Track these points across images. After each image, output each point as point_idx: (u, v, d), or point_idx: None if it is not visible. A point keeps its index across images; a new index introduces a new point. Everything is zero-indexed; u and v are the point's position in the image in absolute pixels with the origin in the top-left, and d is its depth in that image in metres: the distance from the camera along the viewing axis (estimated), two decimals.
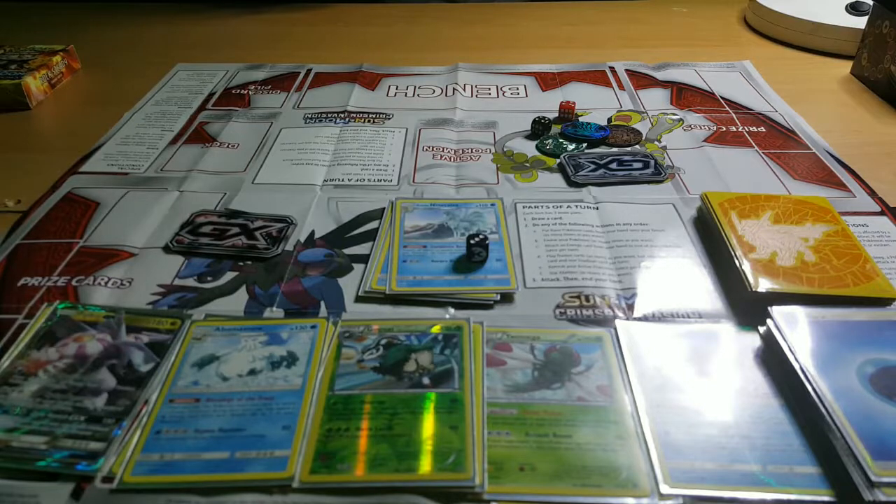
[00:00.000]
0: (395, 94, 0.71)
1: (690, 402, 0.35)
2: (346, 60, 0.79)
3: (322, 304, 0.42)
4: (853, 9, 0.80)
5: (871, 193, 0.53)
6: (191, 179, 0.56)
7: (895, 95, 0.68)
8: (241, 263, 0.46)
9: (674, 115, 0.66)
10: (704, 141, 0.61)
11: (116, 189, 0.54)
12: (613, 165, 0.56)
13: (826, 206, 0.48)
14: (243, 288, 0.44)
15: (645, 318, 0.41)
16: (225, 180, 0.56)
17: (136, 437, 0.34)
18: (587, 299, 0.42)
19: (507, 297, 0.42)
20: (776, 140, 0.61)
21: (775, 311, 0.38)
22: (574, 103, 0.65)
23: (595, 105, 0.68)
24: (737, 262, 0.42)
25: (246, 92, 0.72)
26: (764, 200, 0.48)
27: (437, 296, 0.42)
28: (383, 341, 0.39)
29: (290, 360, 0.38)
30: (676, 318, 0.41)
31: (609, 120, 0.65)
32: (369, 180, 0.55)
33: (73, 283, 0.44)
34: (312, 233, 0.49)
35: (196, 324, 0.40)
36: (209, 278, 0.44)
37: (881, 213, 0.50)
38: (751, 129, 0.63)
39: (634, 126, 0.63)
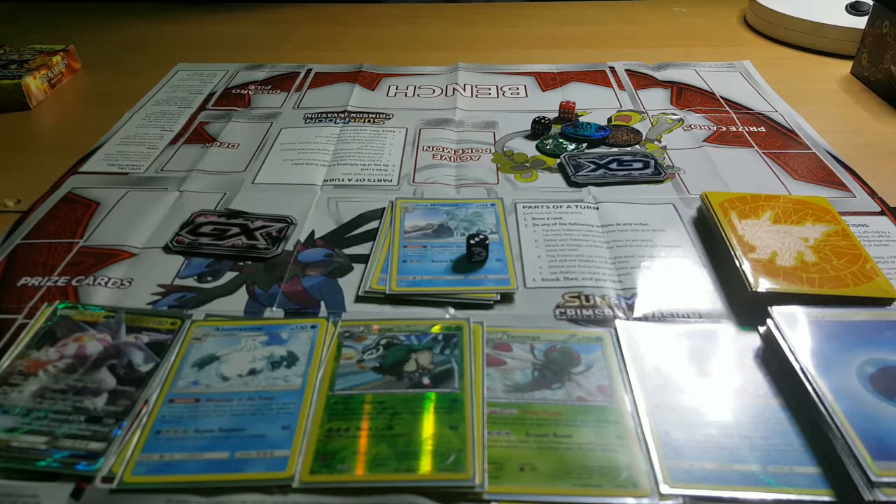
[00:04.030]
0: (395, 94, 0.71)
1: (690, 402, 0.35)
2: (346, 60, 0.79)
3: (322, 304, 0.42)
4: (853, 9, 0.80)
5: (871, 193, 0.53)
6: (191, 179, 0.56)
7: (895, 95, 0.68)
8: (241, 263, 0.46)
9: (674, 115, 0.66)
10: (704, 141, 0.61)
11: (116, 189, 0.54)
12: (613, 165, 0.56)
13: (826, 207, 0.48)
14: (243, 288, 0.44)
15: (645, 318, 0.41)
16: (225, 180, 0.56)
17: (136, 437, 0.34)
18: (587, 299, 0.42)
19: (507, 297, 0.42)
20: (776, 140, 0.61)
21: (775, 311, 0.38)
22: (574, 103, 0.65)
23: (595, 105, 0.68)
24: (737, 262, 0.42)
25: (246, 92, 0.72)
26: (764, 200, 0.48)
27: (437, 296, 0.42)
28: (383, 341, 0.39)
29: (290, 360, 0.38)
30: (676, 318, 0.41)
31: (609, 120, 0.65)
32: (369, 180, 0.55)
33: (73, 283, 0.44)
34: (312, 233, 0.49)
35: (196, 324, 0.40)
36: (209, 278, 0.44)
37: (881, 213, 0.50)
38: (751, 129, 0.63)
39: (634, 126, 0.63)
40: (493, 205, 0.51)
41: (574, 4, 1.01)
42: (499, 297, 0.42)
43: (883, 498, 0.29)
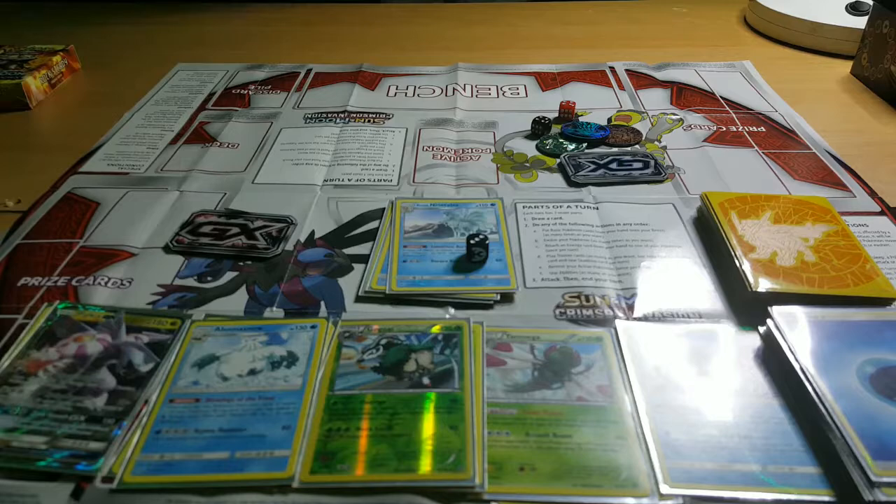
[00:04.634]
0: (395, 94, 0.71)
1: (690, 402, 0.35)
2: (346, 60, 0.79)
3: (322, 304, 0.42)
4: (853, 9, 0.80)
5: (871, 193, 0.53)
6: (191, 179, 0.56)
7: (895, 95, 0.68)
8: (241, 263, 0.46)
9: (674, 115, 0.66)
10: (704, 141, 0.61)
11: (116, 189, 0.54)
12: (613, 165, 0.56)
13: (826, 207, 0.48)
14: (243, 288, 0.44)
15: (645, 318, 0.41)
16: (225, 180, 0.56)
17: (136, 437, 0.33)
18: (587, 299, 0.42)
19: (507, 297, 0.42)
20: (776, 140, 0.61)
21: (775, 311, 0.38)
22: (574, 103, 0.65)
23: (595, 105, 0.68)
24: (737, 262, 0.42)
25: (246, 92, 0.72)
26: (764, 200, 0.48)
27: (437, 296, 0.42)
28: (383, 341, 0.39)
29: (290, 360, 0.38)
30: (676, 318, 0.41)
31: (609, 120, 0.65)
32: (369, 180, 0.55)
33: (73, 283, 0.44)
34: (312, 233, 0.49)
35: (196, 324, 0.40)
36: (209, 278, 0.44)
37: (881, 213, 0.50)
38: (751, 129, 0.63)
39: (634, 126, 0.63)
40: (493, 205, 0.51)
41: (574, 4, 1.01)
42: (499, 297, 0.42)
43: (883, 498, 0.29)
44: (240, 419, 0.34)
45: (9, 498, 0.31)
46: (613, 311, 0.41)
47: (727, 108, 0.67)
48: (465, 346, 0.38)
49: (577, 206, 0.51)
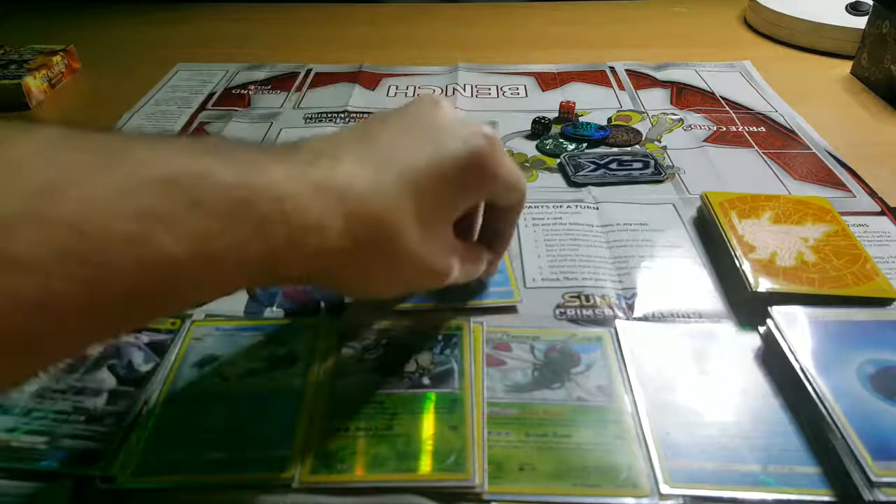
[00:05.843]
0: (395, 94, 0.71)
1: (690, 402, 0.35)
2: (346, 60, 0.79)
3: (322, 304, 0.42)
4: (853, 9, 0.80)
5: (871, 193, 0.53)
6: None
7: (895, 95, 0.68)
8: None
9: (674, 115, 0.66)
10: (704, 141, 0.61)
11: None
12: (613, 165, 0.56)
13: (826, 206, 0.48)
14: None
15: (645, 318, 0.41)
16: None
17: (136, 437, 0.33)
18: (587, 299, 0.42)
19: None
20: (776, 140, 0.61)
21: (775, 311, 0.38)
22: (574, 103, 0.65)
23: (595, 105, 0.68)
24: (737, 262, 0.42)
25: (246, 92, 0.72)
26: (764, 200, 0.48)
27: (438, 309, 0.41)
28: (384, 341, 0.39)
29: (290, 360, 0.38)
30: (676, 318, 0.41)
31: (609, 120, 0.65)
32: None
33: None
34: None
35: (196, 324, 0.40)
36: None
37: (881, 213, 0.50)
38: (751, 129, 0.63)
39: (634, 126, 0.63)
40: None
41: (574, 4, 1.01)
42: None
43: (883, 498, 0.29)
44: (240, 419, 0.34)
45: (9, 498, 0.31)
46: (613, 310, 0.41)
47: (727, 108, 0.67)
48: (465, 346, 0.38)
49: (577, 206, 0.51)
